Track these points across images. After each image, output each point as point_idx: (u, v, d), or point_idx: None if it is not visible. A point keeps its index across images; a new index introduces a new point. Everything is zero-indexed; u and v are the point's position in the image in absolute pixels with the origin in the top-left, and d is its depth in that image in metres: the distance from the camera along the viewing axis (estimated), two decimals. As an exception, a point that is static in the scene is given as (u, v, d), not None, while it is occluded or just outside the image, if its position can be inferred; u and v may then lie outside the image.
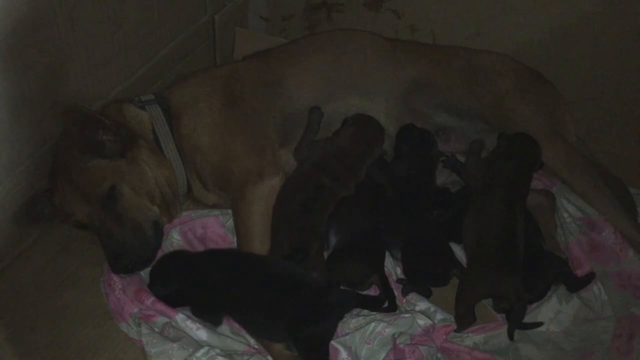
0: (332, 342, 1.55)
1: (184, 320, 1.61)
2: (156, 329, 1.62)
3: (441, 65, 2.03)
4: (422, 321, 1.63)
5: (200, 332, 1.60)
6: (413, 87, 2.00)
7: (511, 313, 1.62)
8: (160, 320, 1.63)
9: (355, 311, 1.69)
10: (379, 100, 1.99)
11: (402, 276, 1.78)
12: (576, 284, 1.73)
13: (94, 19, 1.82)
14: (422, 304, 1.69)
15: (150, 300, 1.64)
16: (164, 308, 1.63)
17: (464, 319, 1.63)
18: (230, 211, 1.86)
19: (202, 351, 1.54)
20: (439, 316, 1.67)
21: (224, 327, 1.65)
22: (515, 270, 1.62)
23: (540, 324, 1.66)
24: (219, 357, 1.54)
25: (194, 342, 1.59)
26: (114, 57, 1.96)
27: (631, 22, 2.00)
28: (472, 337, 1.66)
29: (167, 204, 1.85)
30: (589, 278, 1.73)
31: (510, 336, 1.60)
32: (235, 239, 1.81)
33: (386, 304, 1.64)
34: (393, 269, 1.81)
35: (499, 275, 1.62)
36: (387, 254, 1.81)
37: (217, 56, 2.53)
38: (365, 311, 1.68)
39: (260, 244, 1.70)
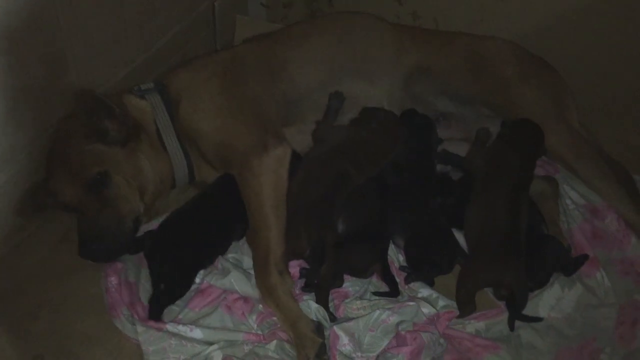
0: (334, 328, 1.55)
1: (174, 327, 1.58)
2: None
3: (444, 52, 2.01)
4: (426, 310, 1.63)
5: (195, 332, 1.58)
6: (415, 72, 1.99)
7: (512, 301, 1.61)
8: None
9: (358, 293, 1.69)
10: (381, 85, 1.98)
11: (404, 263, 1.77)
12: (571, 268, 1.71)
13: (93, 6, 1.81)
14: (425, 291, 1.69)
15: (141, 314, 1.63)
16: (153, 324, 1.59)
17: (466, 306, 1.62)
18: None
19: (200, 351, 1.54)
20: (441, 303, 1.67)
21: (224, 317, 1.64)
22: (518, 259, 1.62)
23: (540, 319, 1.64)
24: (216, 352, 1.53)
25: (190, 338, 1.57)
26: (114, 45, 1.95)
27: (637, 8, 1.98)
28: (474, 324, 1.65)
29: (154, 199, 1.81)
30: (582, 260, 1.72)
31: (511, 326, 1.59)
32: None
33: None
34: (395, 256, 1.80)
35: (502, 264, 1.61)
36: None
37: (217, 44, 2.52)
38: (369, 294, 1.68)
39: (275, 217, 1.66)
